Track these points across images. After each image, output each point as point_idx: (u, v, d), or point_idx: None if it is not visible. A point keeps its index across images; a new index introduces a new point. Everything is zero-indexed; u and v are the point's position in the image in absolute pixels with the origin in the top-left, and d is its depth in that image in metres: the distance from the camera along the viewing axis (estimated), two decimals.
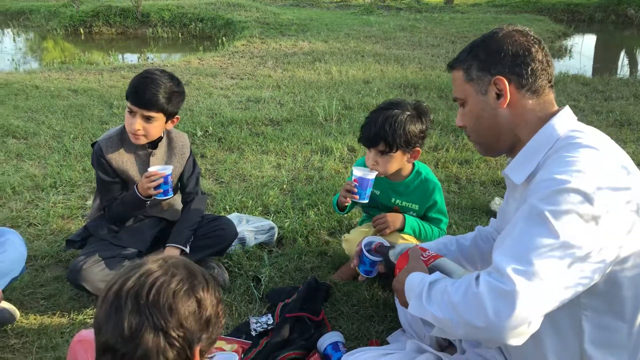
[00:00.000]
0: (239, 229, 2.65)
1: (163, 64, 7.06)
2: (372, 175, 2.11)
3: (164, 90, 2.17)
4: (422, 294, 1.38)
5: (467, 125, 1.53)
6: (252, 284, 2.34)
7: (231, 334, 2.04)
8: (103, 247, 2.27)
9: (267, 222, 2.75)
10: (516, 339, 1.21)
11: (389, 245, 1.80)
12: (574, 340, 1.36)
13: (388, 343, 1.99)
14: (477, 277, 1.26)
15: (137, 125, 2.17)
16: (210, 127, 4.34)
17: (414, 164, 2.29)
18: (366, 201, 2.16)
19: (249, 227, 2.68)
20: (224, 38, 8.89)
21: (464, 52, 1.49)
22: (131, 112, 2.18)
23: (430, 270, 1.56)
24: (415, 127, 2.11)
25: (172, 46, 10.07)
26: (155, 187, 2.20)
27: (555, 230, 1.18)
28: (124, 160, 2.31)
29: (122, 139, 2.31)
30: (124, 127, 2.29)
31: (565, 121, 1.40)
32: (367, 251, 1.84)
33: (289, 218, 2.90)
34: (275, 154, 3.95)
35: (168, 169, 2.23)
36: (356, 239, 2.25)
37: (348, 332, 2.07)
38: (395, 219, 2.26)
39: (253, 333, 2.04)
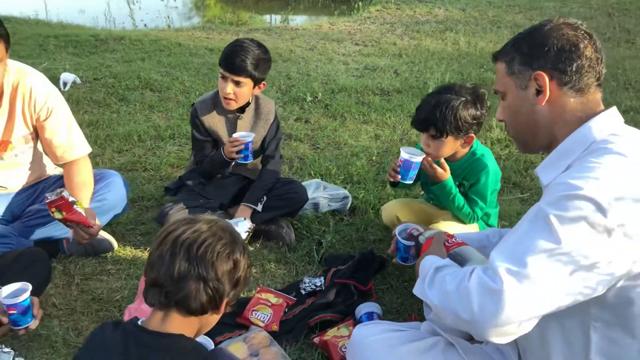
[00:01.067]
0: (314, 195, 2.83)
1: (295, 28, 7.35)
2: (417, 159, 2.13)
3: (252, 57, 2.39)
4: (426, 277, 1.44)
5: (506, 120, 1.51)
6: (315, 247, 2.52)
7: (284, 289, 2.25)
8: (191, 197, 2.59)
9: (343, 191, 2.89)
10: (500, 338, 1.24)
11: (422, 230, 1.86)
12: (581, 349, 1.34)
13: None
14: (472, 271, 1.29)
15: (228, 89, 2.41)
16: (320, 94, 4.52)
17: (472, 146, 2.26)
18: (409, 182, 2.20)
19: (324, 194, 2.84)
20: (360, 3, 8.94)
21: (509, 44, 1.46)
22: (223, 77, 2.43)
23: (451, 257, 1.60)
24: (468, 113, 2.08)
25: (311, 9, 10.35)
26: (237, 152, 2.45)
27: (558, 235, 1.17)
28: (215, 122, 2.58)
29: (215, 103, 2.57)
30: (217, 91, 2.56)
31: (605, 123, 1.34)
32: (403, 238, 1.91)
33: (366, 189, 3.01)
34: (376, 124, 4.03)
35: (249, 137, 2.45)
36: (391, 208, 2.44)
37: (391, 306, 2.17)
38: (441, 173, 2.24)
39: (302, 292, 2.23)
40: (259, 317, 2.04)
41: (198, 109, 2.58)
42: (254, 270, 2.39)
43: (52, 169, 2.56)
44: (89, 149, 2.49)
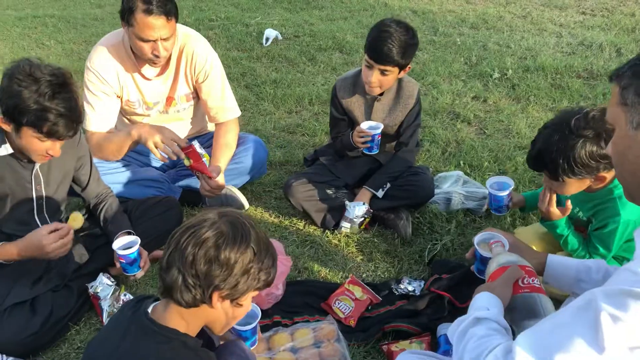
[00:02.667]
0: (450, 188, 2.65)
1: None
2: (502, 193, 1.98)
3: (398, 45, 2.27)
4: (463, 321, 1.28)
5: (612, 160, 1.21)
6: (429, 247, 2.38)
7: (376, 285, 2.20)
8: (320, 171, 2.64)
9: (483, 190, 2.63)
10: None
11: (503, 247, 1.61)
12: None
13: None
14: (494, 348, 1.11)
15: (373, 78, 2.35)
16: (510, 71, 4.09)
17: (613, 182, 1.82)
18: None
19: (461, 190, 2.63)
20: None
21: (627, 64, 1.14)
22: (368, 65, 2.35)
23: (517, 301, 1.38)
24: (586, 154, 1.68)
25: None
26: (363, 142, 2.41)
27: (603, 343, 0.95)
28: (352, 102, 2.55)
29: (355, 82, 2.54)
30: (360, 70, 2.51)
31: None
32: (483, 249, 1.70)
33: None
34: None
35: (377, 129, 2.40)
36: (526, 235, 2.13)
37: None
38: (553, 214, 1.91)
39: (395, 292, 2.15)
40: (340, 308, 2.05)
41: (338, 87, 2.57)
42: (360, 257, 2.38)
43: (212, 126, 2.86)
44: (238, 113, 2.71)
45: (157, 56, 2.31)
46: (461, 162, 3.01)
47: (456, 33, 5.06)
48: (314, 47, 4.79)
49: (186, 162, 2.34)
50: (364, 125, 2.44)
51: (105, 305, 1.99)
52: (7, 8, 6.14)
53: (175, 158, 2.33)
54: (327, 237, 2.50)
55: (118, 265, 2.03)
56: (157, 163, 2.71)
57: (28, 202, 2.01)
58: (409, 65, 2.42)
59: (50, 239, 1.87)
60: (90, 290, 2.01)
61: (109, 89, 2.46)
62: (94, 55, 2.45)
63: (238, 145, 2.67)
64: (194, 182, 2.64)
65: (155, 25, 2.20)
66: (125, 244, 2.02)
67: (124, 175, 2.51)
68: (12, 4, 6.22)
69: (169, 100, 2.61)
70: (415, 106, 2.54)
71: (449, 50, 4.65)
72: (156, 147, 2.31)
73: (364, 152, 2.47)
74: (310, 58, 4.59)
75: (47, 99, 1.72)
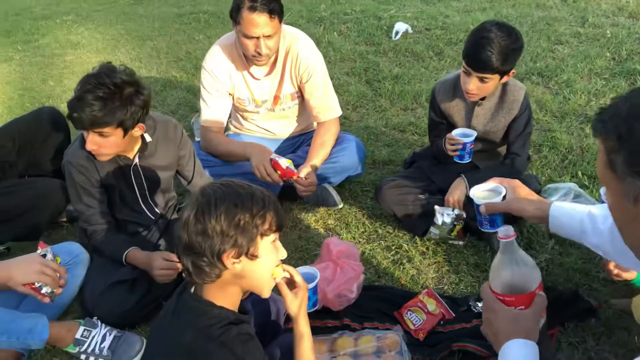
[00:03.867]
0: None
1: None
2: None
3: (499, 51, 2.14)
4: None
5: (615, 222, 1.06)
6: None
7: (458, 299, 2.12)
8: (415, 174, 2.59)
9: None
10: None
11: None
12: None
13: None
14: None
15: (471, 86, 2.24)
16: None
17: None
18: None
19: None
20: None
21: (609, 113, 0.98)
22: (466, 71, 2.25)
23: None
24: None
25: None
26: (454, 150, 2.32)
27: None
28: (451, 106, 2.45)
29: (456, 85, 2.43)
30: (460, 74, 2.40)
31: None
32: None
33: None
34: None
35: (469, 137, 2.30)
36: None
37: None
38: None
39: (474, 310, 2.05)
40: (411, 319, 2.01)
41: (437, 90, 2.49)
42: (445, 268, 2.30)
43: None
44: (339, 113, 2.76)
45: (259, 53, 2.43)
46: (579, 173, 2.73)
47: (608, 23, 4.54)
48: (444, 41, 4.63)
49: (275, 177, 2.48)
50: (456, 132, 2.34)
51: None
52: (171, 6, 6.83)
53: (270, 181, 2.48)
54: (415, 243, 2.45)
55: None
56: None
57: (132, 192, 2.26)
58: (512, 71, 2.25)
59: (162, 265, 2.06)
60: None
61: (221, 87, 2.66)
62: (208, 56, 2.67)
63: (336, 144, 2.72)
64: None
65: (259, 22, 2.32)
66: None
67: (227, 168, 2.69)
68: (175, 2, 6.91)
69: (276, 99, 2.74)
70: (524, 112, 2.36)
71: (595, 44, 4.20)
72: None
73: (455, 160, 2.37)
74: (437, 52, 4.45)
75: (81, 92, 1.91)
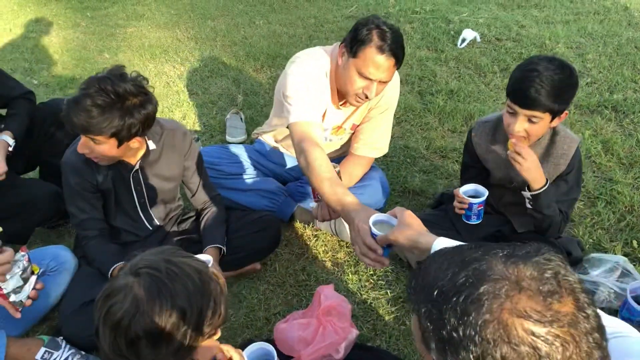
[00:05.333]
0: (599, 278, 2.11)
1: None
2: None
3: (550, 86, 1.84)
4: None
5: None
6: None
7: None
8: (438, 220, 2.32)
9: None
10: None
11: None
12: None
13: None
14: None
15: (517, 127, 1.92)
16: None
17: None
18: None
19: (613, 284, 2.06)
20: None
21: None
22: (510, 110, 1.94)
23: None
24: None
25: None
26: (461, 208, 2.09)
27: None
28: (488, 151, 2.17)
29: (496, 128, 2.14)
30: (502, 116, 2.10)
31: None
32: None
33: None
34: None
35: (480, 197, 2.06)
36: None
37: None
38: None
39: None
40: None
41: (474, 131, 2.20)
42: None
43: None
44: (380, 154, 2.53)
45: (366, 97, 2.14)
46: (635, 242, 2.36)
47: None
48: (513, 55, 4.22)
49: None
50: (466, 188, 2.07)
51: None
52: None
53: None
54: None
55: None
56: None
57: (130, 200, 2.15)
58: (565, 112, 1.93)
59: None
60: None
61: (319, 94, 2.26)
62: (304, 65, 2.26)
63: (360, 179, 2.50)
64: (307, 203, 2.56)
65: (382, 65, 2.04)
66: None
67: (243, 182, 2.54)
68: None
69: (339, 128, 2.48)
70: (572, 172, 2.05)
71: None
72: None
73: (462, 218, 2.09)
74: (503, 68, 4.06)
75: (81, 95, 1.78)
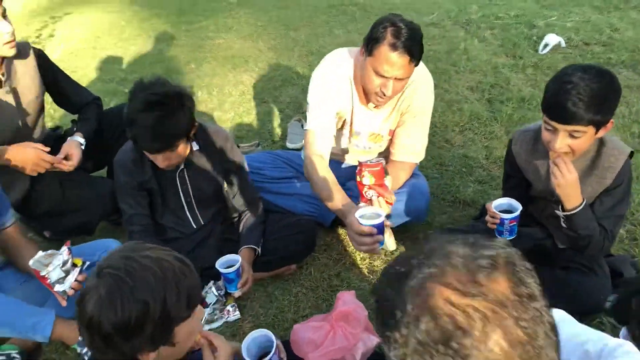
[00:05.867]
0: None
1: None
2: None
3: (589, 96, 1.70)
4: None
5: None
6: None
7: None
8: (478, 231, 2.23)
9: None
10: None
11: None
12: None
13: None
14: None
15: (559, 144, 1.78)
16: None
17: None
18: None
19: None
20: None
21: None
22: (549, 128, 1.82)
23: None
24: None
25: None
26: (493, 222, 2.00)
27: None
28: (529, 162, 2.05)
29: (537, 138, 2.02)
30: None
31: None
32: None
33: None
34: None
35: (513, 212, 1.96)
36: None
37: None
38: None
39: None
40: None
41: (514, 141, 2.09)
42: None
43: None
44: (419, 160, 2.48)
45: (384, 94, 2.17)
46: None
47: None
48: (601, 60, 3.95)
49: (365, 181, 2.10)
50: (499, 202, 1.96)
51: (206, 312, 2.17)
52: None
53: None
54: None
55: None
56: None
57: (177, 199, 2.30)
58: (610, 121, 1.78)
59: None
60: (203, 292, 2.21)
61: (332, 105, 2.34)
62: (329, 65, 2.36)
63: (402, 186, 2.45)
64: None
65: (396, 63, 2.05)
66: (227, 262, 2.13)
67: (286, 187, 2.61)
68: None
69: (375, 136, 2.48)
70: (620, 187, 1.88)
71: None
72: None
73: (495, 234, 1.98)
74: None
75: (137, 112, 1.92)
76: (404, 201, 2.40)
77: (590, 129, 1.74)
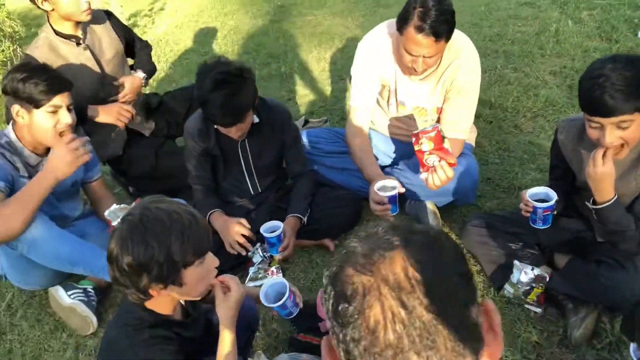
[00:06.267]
0: None
1: None
2: None
3: (624, 85, 1.64)
4: None
5: None
6: None
7: None
8: (517, 218, 2.19)
9: None
10: None
11: None
12: None
13: None
14: None
15: (609, 138, 1.73)
16: None
17: None
18: None
19: None
20: None
21: None
22: (594, 125, 1.76)
23: None
24: None
25: None
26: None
27: None
28: (574, 150, 2.01)
29: (583, 128, 1.95)
30: None
31: None
32: None
33: None
34: None
35: (549, 201, 1.94)
36: None
37: None
38: None
39: None
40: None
41: (560, 130, 2.05)
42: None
43: None
44: (464, 137, 2.49)
45: (415, 70, 2.27)
46: None
47: None
48: None
49: (424, 147, 2.11)
50: (535, 191, 1.95)
51: (251, 270, 2.38)
52: None
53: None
54: (489, 295, 2.15)
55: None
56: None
57: (239, 166, 2.51)
58: None
59: (239, 230, 2.35)
60: (249, 254, 2.42)
61: (373, 75, 2.48)
62: (370, 37, 2.51)
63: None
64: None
65: (422, 43, 2.13)
66: (270, 227, 2.32)
67: (340, 161, 2.71)
68: None
69: (418, 109, 2.53)
70: None
71: None
72: None
73: (529, 222, 1.96)
74: None
75: (208, 92, 2.11)
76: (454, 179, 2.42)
77: (638, 116, 1.68)
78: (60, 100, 2.10)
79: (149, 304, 1.44)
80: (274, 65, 4.66)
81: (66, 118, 2.13)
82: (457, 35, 2.35)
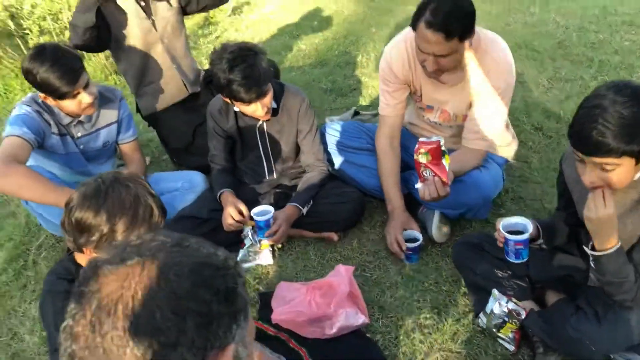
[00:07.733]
0: None
1: None
2: None
3: (619, 126, 1.41)
4: None
5: None
6: None
7: None
8: None
9: None
10: None
11: None
12: None
13: None
14: None
15: (586, 178, 1.53)
16: None
17: None
18: None
19: None
20: None
21: None
22: (577, 157, 1.55)
23: None
24: None
25: None
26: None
27: None
28: (576, 182, 1.76)
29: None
30: None
31: None
32: None
33: None
34: None
35: (520, 236, 1.76)
36: None
37: None
38: None
39: None
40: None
41: (565, 158, 1.83)
42: None
43: None
44: (485, 148, 2.33)
45: (427, 69, 2.16)
46: None
47: None
48: None
49: (421, 159, 2.02)
50: (510, 221, 1.79)
51: (241, 252, 2.44)
52: None
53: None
54: (466, 319, 1.99)
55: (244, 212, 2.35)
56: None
57: (256, 150, 2.55)
58: None
59: (231, 213, 2.35)
60: (242, 235, 2.46)
61: (396, 81, 2.43)
62: (389, 48, 2.43)
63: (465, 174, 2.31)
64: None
65: (431, 40, 2.03)
66: (261, 211, 2.35)
67: (360, 158, 2.63)
68: None
69: (445, 113, 2.41)
70: None
71: None
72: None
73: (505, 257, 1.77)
74: None
75: (227, 73, 2.15)
76: (461, 191, 2.27)
77: (627, 160, 1.45)
78: (77, 86, 2.25)
79: (79, 257, 1.56)
80: (354, 52, 4.62)
81: (86, 99, 2.32)
82: (489, 36, 2.20)
